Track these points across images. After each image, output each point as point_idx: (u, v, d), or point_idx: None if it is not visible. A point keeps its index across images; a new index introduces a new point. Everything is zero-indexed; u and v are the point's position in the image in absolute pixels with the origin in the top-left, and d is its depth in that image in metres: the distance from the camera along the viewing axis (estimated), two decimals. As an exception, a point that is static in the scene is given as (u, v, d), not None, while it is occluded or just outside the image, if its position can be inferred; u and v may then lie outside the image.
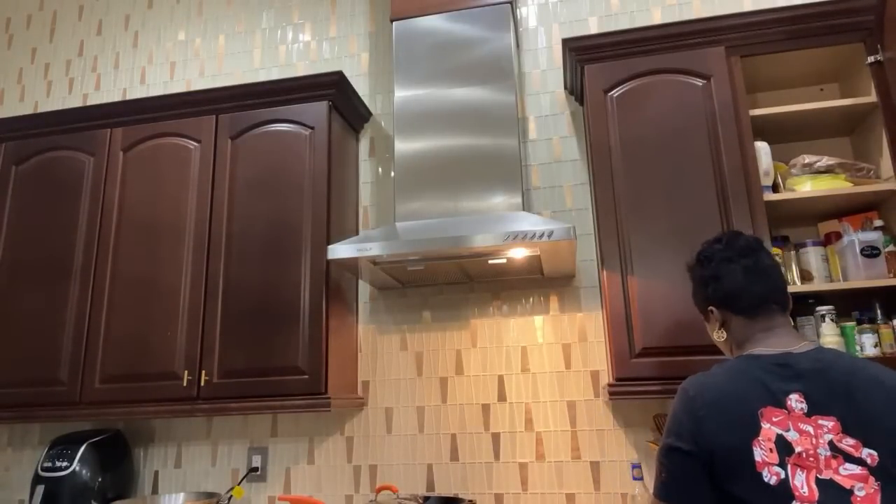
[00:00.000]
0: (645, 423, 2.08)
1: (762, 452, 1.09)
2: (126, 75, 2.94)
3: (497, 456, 2.17)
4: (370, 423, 2.30)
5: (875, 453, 1.05)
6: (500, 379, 2.23)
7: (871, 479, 1.04)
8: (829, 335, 1.81)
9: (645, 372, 1.81)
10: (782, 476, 1.07)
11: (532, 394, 2.19)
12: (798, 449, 1.08)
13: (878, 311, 1.84)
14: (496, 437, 2.18)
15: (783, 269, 1.33)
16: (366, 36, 2.72)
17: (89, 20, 3.08)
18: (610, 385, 1.83)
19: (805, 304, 1.90)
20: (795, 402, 1.11)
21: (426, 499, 2.00)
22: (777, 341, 1.23)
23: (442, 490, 2.18)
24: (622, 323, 1.85)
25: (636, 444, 2.07)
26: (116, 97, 2.92)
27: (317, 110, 2.25)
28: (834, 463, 1.06)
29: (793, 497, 1.05)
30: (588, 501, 2.06)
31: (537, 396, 2.18)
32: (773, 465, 1.08)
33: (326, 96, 2.26)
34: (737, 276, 1.31)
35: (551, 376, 2.19)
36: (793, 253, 1.97)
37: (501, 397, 2.21)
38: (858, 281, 1.82)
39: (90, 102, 2.94)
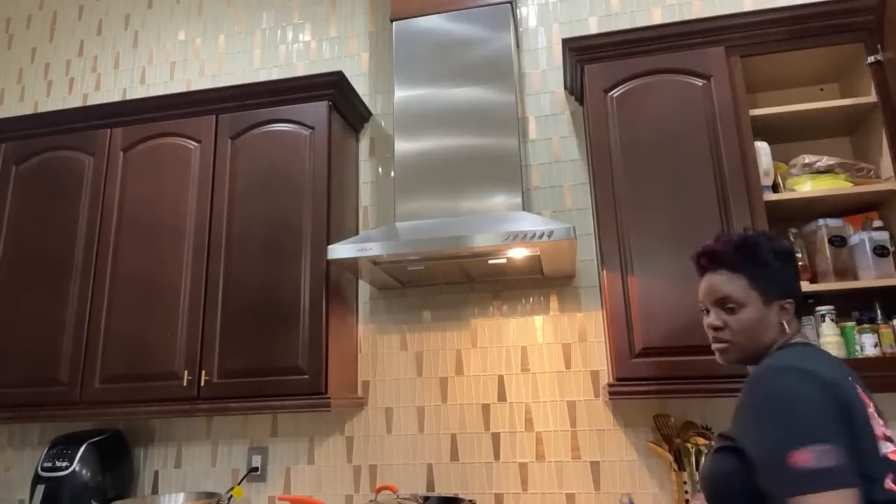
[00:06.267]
0: (645, 423, 2.08)
1: (877, 425, 1.11)
2: (126, 75, 2.94)
3: (497, 456, 2.17)
4: (370, 423, 2.30)
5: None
6: (500, 379, 2.23)
7: None
8: (829, 335, 1.81)
9: (645, 372, 1.81)
10: (890, 448, 1.10)
11: (532, 394, 2.19)
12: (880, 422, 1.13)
13: (878, 311, 1.84)
14: (496, 437, 2.18)
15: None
16: (366, 36, 2.72)
17: (89, 20, 3.08)
18: (610, 385, 1.83)
19: (804, 304, 1.89)
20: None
21: (426, 499, 2.00)
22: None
23: (442, 490, 2.18)
24: (622, 323, 1.85)
25: (636, 444, 2.07)
26: (116, 97, 2.92)
27: (317, 110, 2.25)
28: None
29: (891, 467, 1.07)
30: (588, 501, 2.06)
31: (537, 396, 2.18)
32: (882, 438, 1.10)
33: (326, 96, 2.26)
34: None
35: (551, 376, 2.19)
36: (793, 253, 1.97)
37: (501, 397, 2.21)
38: (868, 280, 1.82)
39: (90, 102, 2.94)
